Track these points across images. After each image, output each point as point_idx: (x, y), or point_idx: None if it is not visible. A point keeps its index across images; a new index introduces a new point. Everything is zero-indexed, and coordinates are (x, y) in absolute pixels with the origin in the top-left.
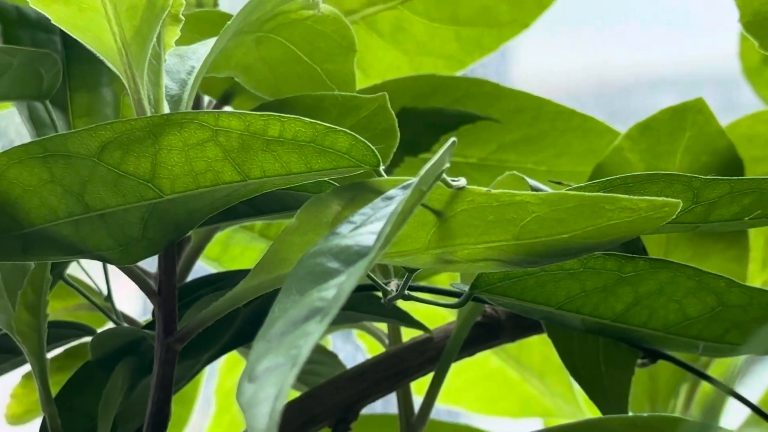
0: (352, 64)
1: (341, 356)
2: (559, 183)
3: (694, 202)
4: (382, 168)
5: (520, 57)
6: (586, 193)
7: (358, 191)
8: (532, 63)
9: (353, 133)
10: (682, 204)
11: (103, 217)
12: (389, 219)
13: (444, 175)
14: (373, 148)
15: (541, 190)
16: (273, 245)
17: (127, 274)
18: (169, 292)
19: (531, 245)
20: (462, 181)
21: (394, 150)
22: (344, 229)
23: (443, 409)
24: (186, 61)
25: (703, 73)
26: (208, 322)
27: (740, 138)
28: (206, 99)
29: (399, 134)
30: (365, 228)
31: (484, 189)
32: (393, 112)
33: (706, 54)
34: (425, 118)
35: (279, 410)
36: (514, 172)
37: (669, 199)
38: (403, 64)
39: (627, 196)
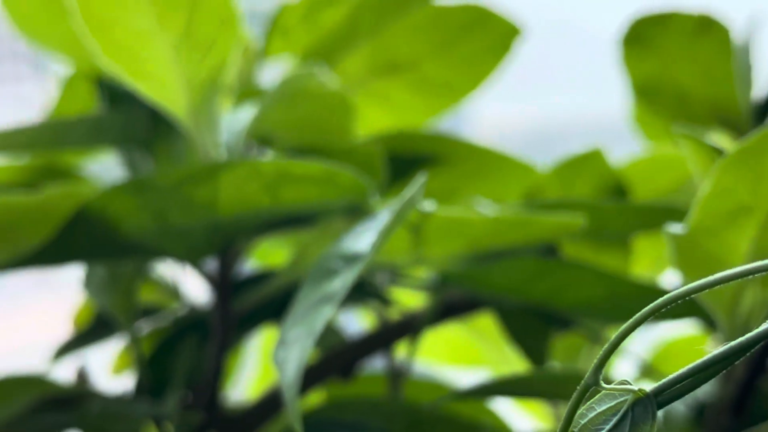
0: (350, 120)
1: (350, 329)
2: None
3: (592, 219)
4: (373, 197)
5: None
6: (517, 215)
7: (357, 213)
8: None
9: (353, 173)
10: (579, 223)
11: (178, 231)
12: (378, 233)
13: (419, 203)
14: (365, 183)
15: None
16: (299, 251)
17: (195, 269)
18: (224, 281)
19: (479, 250)
20: (431, 207)
21: (378, 184)
22: (347, 240)
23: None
24: (238, 120)
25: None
26: (254, 304)
27: (628, 174)
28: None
29: (382, 174)
30: (361, 238)
31: (446, 213)
32: (380, 157)
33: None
34: (402, 162)
35: (302, 367)
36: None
37: (573, 219)
38: (386, 119)
39: (545, 217)
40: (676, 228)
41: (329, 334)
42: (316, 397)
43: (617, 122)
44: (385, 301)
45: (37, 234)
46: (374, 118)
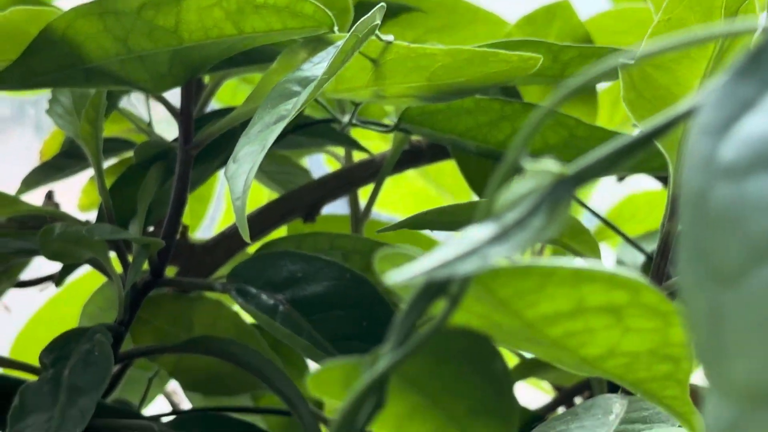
0: None
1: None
2: None
3: (553, 62)
4: (336, 29)
5: None
6: (476, 48)
7: (319, 43)
8: None
9: (317, 2)
10: (543, 61)
11: (141, 58)
12: (333, 55)
13: (377, 32)
14: (330, 13)
15: None
16: (260, 81)
17: (159, 101)
18: (187, 113)
19: (438, 86)
20: (390, 37)
21: (350, 24)
22: (306, 66)
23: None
24: None
25: None
26: (215, 135)
27: (593, 27)
28: None
29: (353, 11)
30: (319, 65)
31: (405, 43)
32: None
33: None
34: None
35: (251, 179)
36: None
37: (533, 54)
38: None
39: (504, 51)
40: (626, 58)
41: (298, 173)
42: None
43: None
44: (349, 143)
45: (3, 54)
46: None
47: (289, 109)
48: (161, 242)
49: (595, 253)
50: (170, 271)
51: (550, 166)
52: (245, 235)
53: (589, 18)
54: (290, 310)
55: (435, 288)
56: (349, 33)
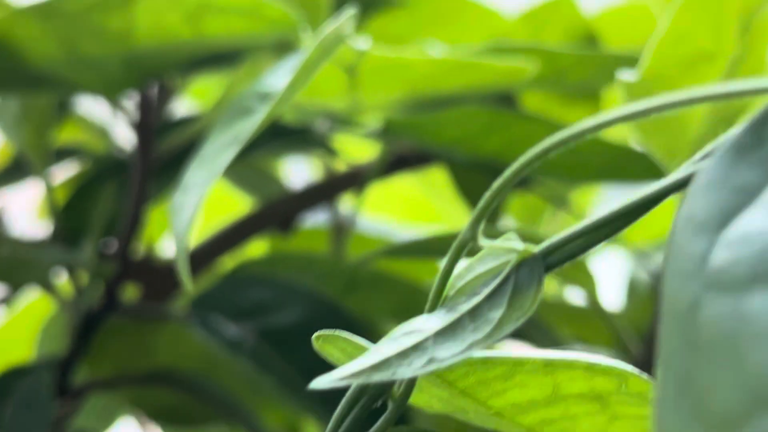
0: None
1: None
2: None
3: (549, 68)
4: (306, 31)
5: None
6: (460, 58)
7: (286, 49)
8: None
9: (282, 5)
10: (532, 69)
11: (92, 62)
12: (295, 69)
13: (349, 39)
14: (296, 16)
15: None
16: (225, 89)
17: (114, 107)
18: (146, 123)
19: (420, 96)
20: (366, 45)
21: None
22: (268, 77)
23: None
24: None
25: None
26: (178, 146)
27: (600, 25)
28: None
29: (328, 10)
30: (279, 76)
31: (381, 51)
32: None
33: None
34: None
35: (196, 213)
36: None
37: (521, 65)
38: None
39: (492, 61)
40: (628, 75)
41: (268, 183)
42: (258, 248)
43: None
44: (330, 150)
45: None
46: None
47: (247, 130)
48: (113, 267)
49: (590, 285)
50: (133, 291)
51: (513, 242)
52: (187, 281)
53: (595, 15)
54: (258, 343)
55: (375, 390)
56: (315, 44)
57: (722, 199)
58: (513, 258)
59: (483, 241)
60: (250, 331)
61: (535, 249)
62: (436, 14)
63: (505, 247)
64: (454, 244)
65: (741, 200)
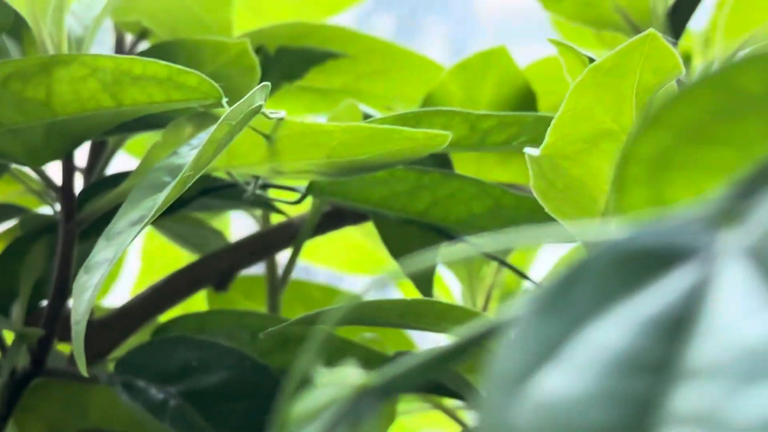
0: (229, 14)
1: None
2: (388, 108)
3: (471, 131)
4: (225, 101)
5: None
6: (377, 126)
7: (205, 119)
8: None
9: (200, 74)
10: (460, 130)
11: (13, 131)
12: (201, 146)
13: (264, 110)
14: (216, 85)
15: (371, 116)
16: (145, 156)
17: (37, 174)
18: (69, 188)
19: (340, 162)
20: (281, 113)
21: (257, 83)
22: (183, 149)
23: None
24: (91, 8)
25: None
26: (100, 211)
27: (533, 74)
28: (129, 37)
29: (259, 71)
30: (189, 151)
31: (298, 120)
32: (253, 55)
33: None
34: (298, 55)
35: (95, 296)
36: (352, 101)
37: (441, 132)
38: (287, 9)
39: (408, 129)
40: (532, 151)
41: (207, 237)
42: (198, 303)
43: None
44: (264, 205)
45: None
46: (275, 11)
47: (150, 207)
48: (39, 332)
49: None
50: (66, 347)
51: (348, 376)
52: (82, 368)
53: (529, 65)
54: (183, 405)
55: None
56: (222, 121)
57: (525, 354)
58: (350, 393)
59: (321, 374)
60: (174, 393)
61: (372, 382)
62: (380, 66)
63: (340, 381)
64: (290, 380)
65: (542, 356)
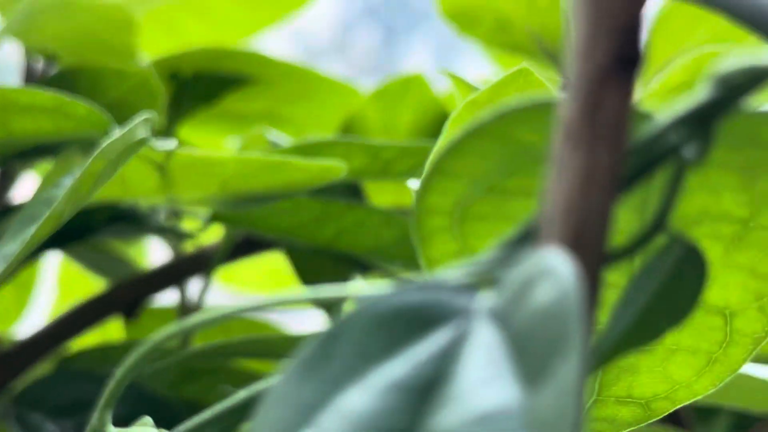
0: (132, 37)
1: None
2: (304, 134)
3: (373, 161)
4: (115, 130)
5: None
6: (270, 157)
7: (94, 148)
8: None
9: (89, 104)
10: (362, 160)
11: None
12: (76, 180)
13: (151, 142)
14: (105, 115)
15: (278, 144)
16: (38, 185)
17: None
18: None
19: (234, 192)
20: (172, 144)
21: (161, 109)
22: (66, 181)
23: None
24: None
25: None
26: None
27: (451, 102)
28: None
29: (164, 97)
30: (64, 184)
31: (189, 151)
32: (159, 82)
33: None
34: (213, 80)
35: None
36: (260, 128)
37: (335, 164)
38: (204, 32)
39: (301, 161)
40: (415, 183)
41: (117, 265)
42: (114, 331)
43: None
44: (176, 233)
45: None
46: (196, 32)
47: (13, 249)
48: None
49: None
50: None
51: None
52: None
53: (447, 92)
54: None
55: None
56: (95, 154)
57: (282, 418)
58: None
59: (112, 430)
60: (69, 429)
61: None
62: (295, 90)
63: None
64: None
65: (299, 420)
